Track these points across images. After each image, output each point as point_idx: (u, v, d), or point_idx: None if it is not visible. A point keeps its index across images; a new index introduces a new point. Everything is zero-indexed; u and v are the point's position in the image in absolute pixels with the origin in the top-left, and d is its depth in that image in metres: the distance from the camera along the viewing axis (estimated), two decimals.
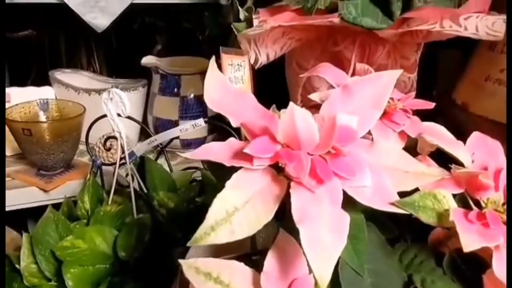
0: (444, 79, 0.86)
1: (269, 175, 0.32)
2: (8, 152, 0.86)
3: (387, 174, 0.32)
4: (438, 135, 0.39)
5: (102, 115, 0.66)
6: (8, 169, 0.82)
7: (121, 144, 0.57)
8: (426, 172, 0.33)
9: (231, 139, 0.33)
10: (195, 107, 0.86)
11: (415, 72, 0.62)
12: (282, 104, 0.35)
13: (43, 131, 0.75)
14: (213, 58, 0.36)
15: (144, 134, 0.91)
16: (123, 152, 0.61)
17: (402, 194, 0.32)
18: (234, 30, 0.59)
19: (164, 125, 0.87)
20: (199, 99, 0.87)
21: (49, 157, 0.77)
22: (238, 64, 0.49)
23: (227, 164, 0.30)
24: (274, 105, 0.43)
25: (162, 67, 0.85)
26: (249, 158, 0.31)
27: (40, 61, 1.05)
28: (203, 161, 0.71)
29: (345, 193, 0.31)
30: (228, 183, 0.30)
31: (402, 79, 0.61)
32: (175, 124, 0.86)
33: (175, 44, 1.21)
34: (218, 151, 0.32)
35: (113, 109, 0.56)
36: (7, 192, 0.76)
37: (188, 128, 0.60)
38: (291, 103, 0.30)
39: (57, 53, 1.04)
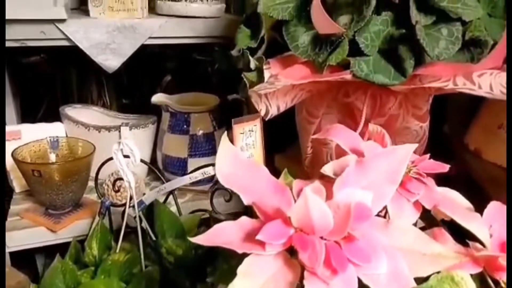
0: (454, 118, 0.85)
1: (282, 259, 0.31)
2: (17, 189, 0.86)
3: (403, 257, 0.31)
4: (453, 205, 0.38)
5: (111, 157, 0.66)
6: (17, 207, 0.82)
7: (130, 194, 0.57)
8: (443, 254, 0.32)
9: (243, 218, 0.33)
10: (204, 145, 0.86)
11: (427, 121, 0.61)
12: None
13: (52, 172, 0.75)
14: (225, 134, 0.36)
15: (153, 172, 0.91)
16: (131, 198, 0.60)
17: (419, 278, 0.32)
18: (244, 80, 0.59)
19: (173, 162, 0.87)
20: (208, 137, 0.87)
21: (58, 197, 0.77)
22: (249, 130, 0.49)
23: (239, 251, 0.30)
24: (286, 170, 0.43)
25: (171, 105, 0.85)
26: (261, 243, 0.30)
27: (51, 93, 1.06)
28: (212, 204, 0.71)
29: (359, 280, 0.30)
30: (239, 270, 0.30)
31: (414, 128, 0.61)
32: (184, 162, 0.86)
33: (185, 74, 1.22)
34: (229, 233, 0.31)
35: (123, 160, 0.56)
36: (16, 232, 0.76)
37: (197, 176, 0.60)
38: (305, 189, 0.29)
39: (68, 86, 1.05)
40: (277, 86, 0.49)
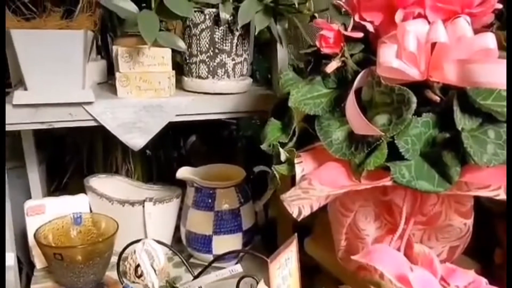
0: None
1: None
2: (38, 265, 0.84)
3: None
4: None
5: (135, 240, 0.64)
6: (37, 286, 0.80)
7: None
8: None
9: None
10: (230, 222, 0.83)
11: (472, 217, 0.57)
12: None
13: (74, 255, 0.73)
14: (262, 284, 0.33)
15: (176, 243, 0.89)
16: None
17: None
18: (275, 173, 0.56)
19: (197, 239, 0.83)
20: (234, 213, 0.83)
21: (79, 279, 0.74)
22: (286, 259, 0.45)
23: None
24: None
25: (197, 181, 0.83)
26: None
27: (76, 161, 1.06)
28: None
29: None
30: None
31: (457, 226, 0.56)
32: (208, 239, 0.83)
33: (210, 135, 1.21)
34: None
35: (146, 260, 0.53)
36: None
37: (224, 274, 0.57)
38: None
39: (93, 151, 1.04)
40: (312, 196, 0.46)
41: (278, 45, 0.82)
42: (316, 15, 0.80)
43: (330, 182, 0.47)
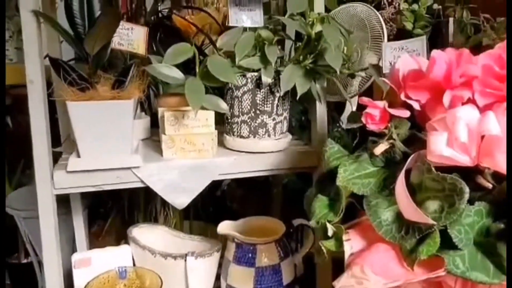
0: None
1: None
2: None
3: None
4: None
5: None
6: None
7: None
8: None
9: None
10: (271, 278, 0.84)
11: None
12: None
13: None
14: None
15: None
16: None
17: None
18: (322, 248, 0.57)
19: None
20: (274, 268, 0.84)
21: None
22: None
23: None
24: None
25: (237, 236, 0.84)
26: None
27: (117, 207, 1.09)
28: None
29: None
30: None
31: None
32: None
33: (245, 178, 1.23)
34: None
35: None
36: None
37: None
38: None
39: (135, 200, 1.08)
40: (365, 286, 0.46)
41: (317, 102, 0.83)
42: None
43: (382, 270, 0.47)
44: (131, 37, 0.78)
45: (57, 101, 0.82)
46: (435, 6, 1.26)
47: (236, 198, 1.27)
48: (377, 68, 0.80)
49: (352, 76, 0.85)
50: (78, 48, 0.71)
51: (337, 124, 1.20)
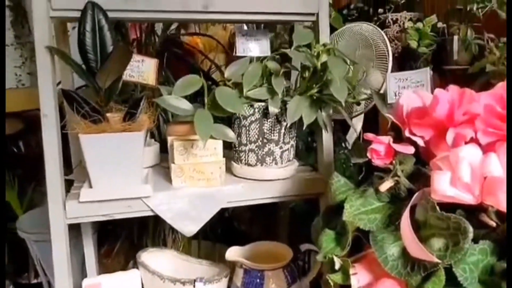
0: None
1: None
2: None
3: None
4: None
5: None
6: None
7: None
8: None
9: None
10: None
11: None
12: None
13: None
14: None
15: None
16: None
17: None
18: (330, 282, 0.58)
19: None
20: None
21: None
22: None
23: None
24: None
25: (245, 263, 0.85)
26: None
27: (127, 231, 1.11)
28: None
29: None
30: None
31: None
32: None
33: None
34: None
35: None
36: None
37: None
38: None
39: (145, 225, 1.09)
40: None
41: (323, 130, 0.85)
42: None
43: None
44: (141, 69, 0.81)
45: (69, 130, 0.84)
46: (440, 24, 1.28)
47: (244, 220, 1.28)
48: (382, 96, 0.81)
49: (358, 103, 0.86)
50: (90, 81, 0.73)
51: (343, 145, 1.22)
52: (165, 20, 1.03)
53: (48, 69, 0.71)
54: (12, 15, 1.12)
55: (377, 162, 0.59)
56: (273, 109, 0.78)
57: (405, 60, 1.32)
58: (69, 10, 0.72)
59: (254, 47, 0.87)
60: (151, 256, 0.97)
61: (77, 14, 0.71)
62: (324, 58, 0.78)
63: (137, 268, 0.94)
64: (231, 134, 0.80)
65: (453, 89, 0.57)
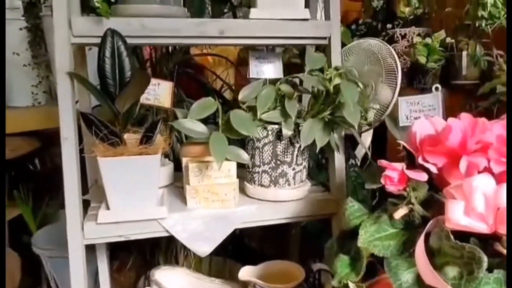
0: None
1: None
2: None
3: None
4: None
5: None
6: None
7: None
8: None
9: None
10: None
11: None
12: None
13: None
14: None
15: None
16: None
17: None
18: None
19: None
20: None
21: None
22: None
23: None
24: None
25: (258, 283, 0.86)
26: None
27: (140, 249, 1.12)
28: None
29: None
30: None
31: None
32: None
33: None
34: None
35: None
36: None
37: None
38: None
39: (157, 242, 1.10)
40: None
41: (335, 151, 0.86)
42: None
43: None
44: (157, 92, 0.83)
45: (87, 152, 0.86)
46: (448, 39, 1.29)
47: (255, 237, 1.29)
48: (394, 120, 0.82)
49: (370, 124, 0.88)
50: (108, 105, 0.75)
51: (352, 162, 1.22)
52: (182, 45, 1.05)
53: (69, 94, 0.74)
54: (30, 36, 1.15)
55: (390, 188, 0.60)
56: (287, 132, 0.79)
57: (413, 75, 1.33)
58: (89, 37, 0.75)
59: (267, 69, 0.89)
60: (163, 274, 0.98)
61: (97, 40, 0.73)
62: (336, 81, 0.80)
63: (149, 285, 0.96)
64: (245, 156, 0.81)
65: (465, 117, 0.58)
